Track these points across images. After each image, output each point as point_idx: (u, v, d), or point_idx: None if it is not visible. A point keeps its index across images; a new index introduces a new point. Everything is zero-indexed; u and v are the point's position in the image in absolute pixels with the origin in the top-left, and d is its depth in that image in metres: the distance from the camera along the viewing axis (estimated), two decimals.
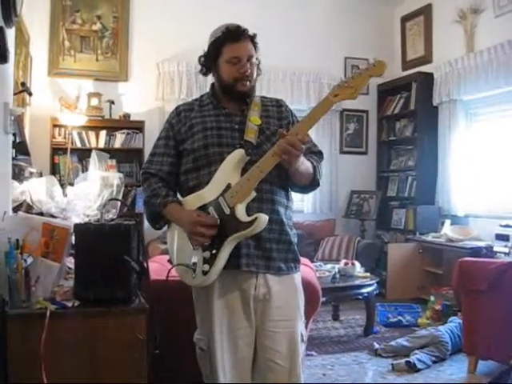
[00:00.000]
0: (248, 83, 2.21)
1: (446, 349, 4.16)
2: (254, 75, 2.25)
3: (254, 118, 2.23)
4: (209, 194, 2.12)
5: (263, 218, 2.04)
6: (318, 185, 2.32)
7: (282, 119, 2.32)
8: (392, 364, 4.05)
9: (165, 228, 2.30)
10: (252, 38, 2.22)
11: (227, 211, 2.06)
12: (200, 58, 2.30)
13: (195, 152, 2.19)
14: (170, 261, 2.25)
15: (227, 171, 2.11)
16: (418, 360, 3.98)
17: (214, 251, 2.06)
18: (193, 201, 2.17)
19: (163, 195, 2.19)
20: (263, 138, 2.21)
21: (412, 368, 3.92)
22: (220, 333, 2.14)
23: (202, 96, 2.38)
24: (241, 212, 2.06)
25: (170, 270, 2.15)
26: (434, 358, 4.08)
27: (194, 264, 2.09)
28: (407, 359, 4.00)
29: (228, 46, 2.17)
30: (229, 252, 2.07)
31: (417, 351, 4.14)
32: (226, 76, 2.21)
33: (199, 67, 2.32)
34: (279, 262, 2.19)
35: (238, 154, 2.12)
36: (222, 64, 2.21)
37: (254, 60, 2.22)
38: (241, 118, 2.24)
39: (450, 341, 4.22)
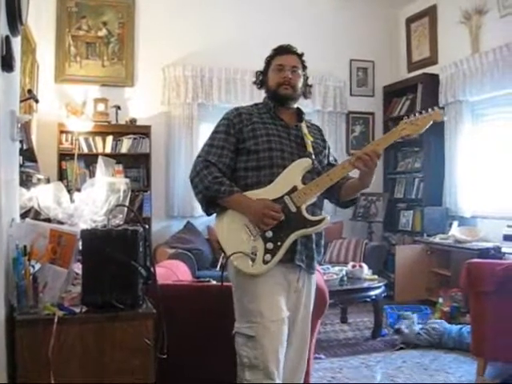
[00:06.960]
0: (290, 88, 2.48)
1: (436, 334, 4.56)
2: (298, 84, 2.52)
3: (308, 135, 2.49)
4: (273, 192, 2.32)
5: (328, 219, 2.30)
6: (355, 203, 2.67)
7: (324, 142, 2.64)
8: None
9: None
10: (299, 55, 2.56)
11: (293, 209, 2.28)
12: (257, 72, 2.63)
13: (259, 153, 2.39)
14: (221, 249, 2.35)
15: (293, 175, 2.34)
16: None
17: (278, 243, 2.25)
18: (257, 196, 2.31)
19: (228, 184, 2.35)
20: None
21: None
22: (270, 320, 2.23)
23: (256, 104, 2.61)
24: (306, 211, 2.28)
25: (227, 258, 2.28)
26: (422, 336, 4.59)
27: (253, 253, 2.22)
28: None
29: (276, 58, 2.54)
30: (289, 246, 2.28)
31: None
32: (271, 82, 2.53)
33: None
34: (315, 263, 2.46)
35: (305, 161, 2.37)
36: (269, 73, 2.54)
37: (299, 72, 2.52)
38: (296, 132, 2.49)
39: (447, 333, 4.53)
